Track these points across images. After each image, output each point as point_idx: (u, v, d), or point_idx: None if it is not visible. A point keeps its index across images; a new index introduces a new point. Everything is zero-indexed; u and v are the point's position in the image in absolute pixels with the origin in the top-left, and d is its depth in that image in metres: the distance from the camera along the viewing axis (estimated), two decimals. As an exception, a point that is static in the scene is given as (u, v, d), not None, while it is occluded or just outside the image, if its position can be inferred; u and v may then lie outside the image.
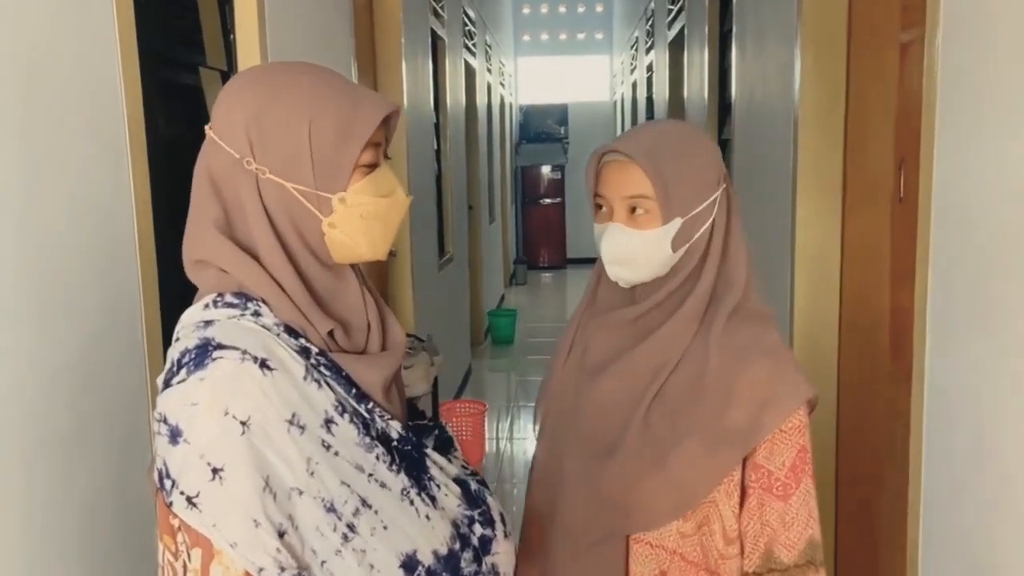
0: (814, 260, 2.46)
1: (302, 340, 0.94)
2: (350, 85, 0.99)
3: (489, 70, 7.99)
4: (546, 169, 12.11)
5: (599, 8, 12.17)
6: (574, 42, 12.36)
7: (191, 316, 0.95)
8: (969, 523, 1.45)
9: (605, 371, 1.18)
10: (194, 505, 0.86)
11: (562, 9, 12.28)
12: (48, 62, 1.26)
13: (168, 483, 0.87)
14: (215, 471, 0.85)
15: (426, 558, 0.96)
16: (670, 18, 5.30)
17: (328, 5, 2.74)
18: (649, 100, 6.83)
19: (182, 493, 0.86)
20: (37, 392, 1.21)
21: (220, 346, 0.89)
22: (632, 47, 8.17)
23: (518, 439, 4.98)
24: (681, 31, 4.82)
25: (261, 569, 0.86)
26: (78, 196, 1.32)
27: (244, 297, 0.94)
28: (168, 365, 0.91)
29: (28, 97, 1.21)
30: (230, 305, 0.94)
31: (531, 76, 12.42)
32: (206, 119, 1.00)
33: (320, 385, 0.93)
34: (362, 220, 0.97)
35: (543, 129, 12.05)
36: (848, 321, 2.44)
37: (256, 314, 0.93)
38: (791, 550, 1.10)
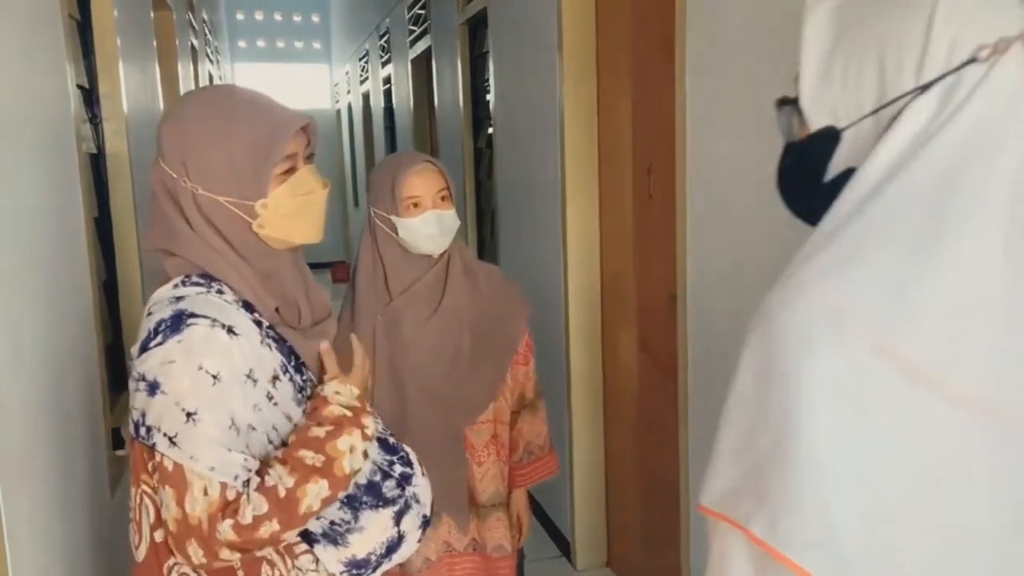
0: (580, 249, 3.07)
1: (256, 314, 1.14)
2: (263, 106, 1.15)
3: (221, 77, 7.93)
4: (271, 176, 12.00)
5: (315, 18, 12.33)
6: (292, 50, 12.40)
7: (163, 293, 1.11)
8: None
9: (430, 320, 1.74)
10: (174, 443, 1.03)
11: (277, 17, 12.26)
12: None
13: (144, 430, 1.04)
14: (189, 415, 1.03)
15: None
16: (411, 38, 5.78)
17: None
18: (387, 110, 7.27)
19: (165, 435, 1.03)
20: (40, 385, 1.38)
21: (193, 315, 1.06)
22: (362, 59, 8.55)
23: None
24: (427, 51, 5.32)
25: (236, 476, 1.05)
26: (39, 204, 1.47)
27: (208, 278, 1.13)
28: (144, 334, 1.07)
29: None
30: (197, 284, 1.11)
31: (249, 82, 12.22)
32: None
33: (271, 348, 1.14)
34: (285, 218, 1.15)
35: (266, 136, 11.92)
36: (607, 293, 3.09)
37: (219, 292, 1.12)
38: (531, 391, 1.95)
